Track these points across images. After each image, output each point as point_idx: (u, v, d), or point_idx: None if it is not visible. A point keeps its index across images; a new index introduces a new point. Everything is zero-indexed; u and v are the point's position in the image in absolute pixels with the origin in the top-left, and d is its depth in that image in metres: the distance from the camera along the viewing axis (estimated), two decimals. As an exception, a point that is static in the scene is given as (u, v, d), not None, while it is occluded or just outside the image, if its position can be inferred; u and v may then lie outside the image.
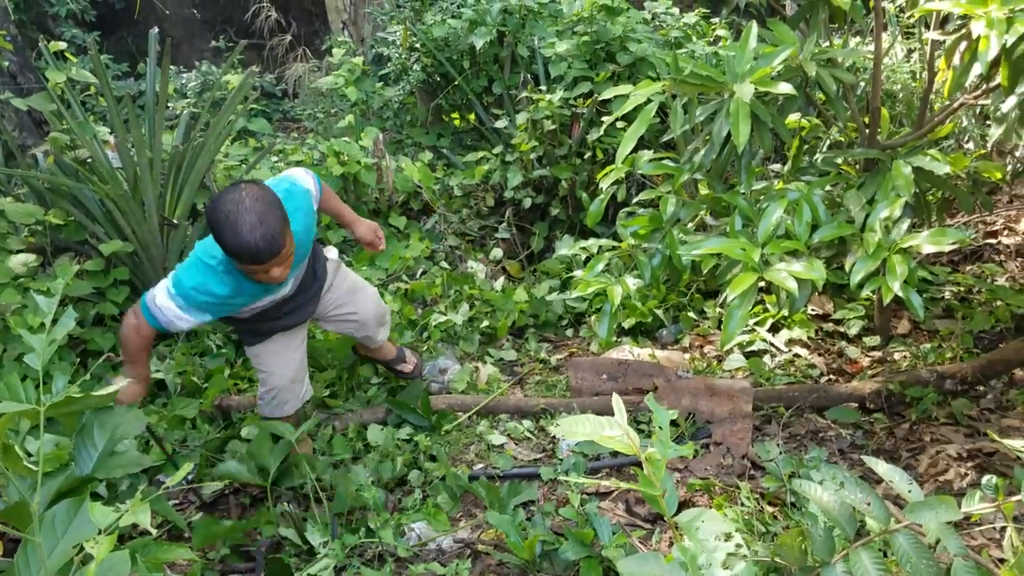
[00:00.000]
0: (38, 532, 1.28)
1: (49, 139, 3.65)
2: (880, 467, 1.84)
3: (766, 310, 3.80)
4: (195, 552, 2.36)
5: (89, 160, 3.75)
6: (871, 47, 3.66)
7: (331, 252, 2.97)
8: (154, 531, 1.18)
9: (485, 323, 3.94)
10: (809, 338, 3.65)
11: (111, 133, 3.89)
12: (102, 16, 9.51)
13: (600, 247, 3.17)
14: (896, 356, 3.50)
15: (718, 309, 3.97)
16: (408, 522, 2.60)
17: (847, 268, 2.58)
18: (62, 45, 3.74)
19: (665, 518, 1.41)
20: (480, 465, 2.98)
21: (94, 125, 3.82)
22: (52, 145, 3.65)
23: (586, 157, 4.70)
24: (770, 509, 2.54)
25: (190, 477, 2.94)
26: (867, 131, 3.13)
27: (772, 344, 3.63)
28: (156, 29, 4.19)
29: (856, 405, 3.15)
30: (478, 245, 4.80)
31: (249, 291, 2.39)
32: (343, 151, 4.53)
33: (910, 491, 1.78)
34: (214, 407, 3.21)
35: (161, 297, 2.34)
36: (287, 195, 2.40)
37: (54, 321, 1.28)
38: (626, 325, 3.87)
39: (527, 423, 3.21)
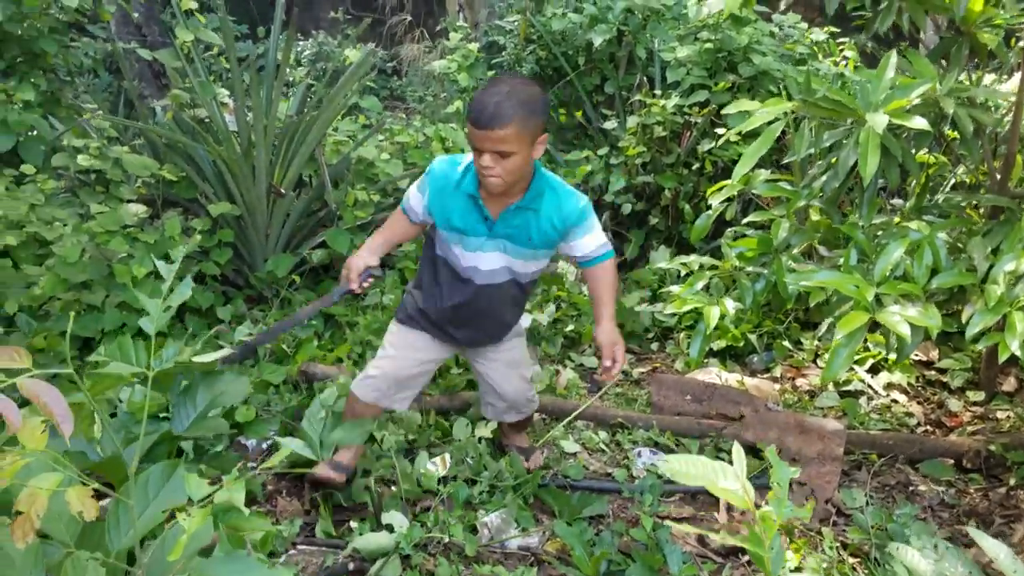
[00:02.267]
0: (133, 492, 1.29)
1: (170, 95, 3.76)
2: (985, 541, 1.73)
3: (867, 349, 3.64)
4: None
5: (206, 120, 3.85)
6: (1008, 86, 3.45)
7: (526, 320, 2.80)
8: (247, 510, 1.18)
9: (570, 327, 3.89)
10: (909, 384, 3.49)
11: (230, 96, 3.99)
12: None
13: (701, 265, 3.08)
14: (999, 415, 3.31)
15: (816, 342, 3.83)
16: (479, 519, 2.58)
17: (963, 318, 2.44)
18: (193, 4, 3.83)
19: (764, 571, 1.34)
20: (551, 471, 2.94)
21: (214, 86, 3.92)
22: (172, 102, 3.76)
23: (694, 168, 4.59)
24: (852, 560, 2.42)
25: (268, 444, 3.00)
26: (998, 177, 2.95)
27: (870, 386, 3.48)
28: (283, -2, 4.26)
29: (952, 461, 2.99)
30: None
31: (450, 197, 2.33)
32: (448, 137, 4.54)
33: (1015, 573, 1.66)
34: (299, 373, 3.25)
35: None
36: (573, 195, 2.35)
37: (170, 290, 1.29)
38: (715, 347, 3.76)
39: (603, 434, 3.16)
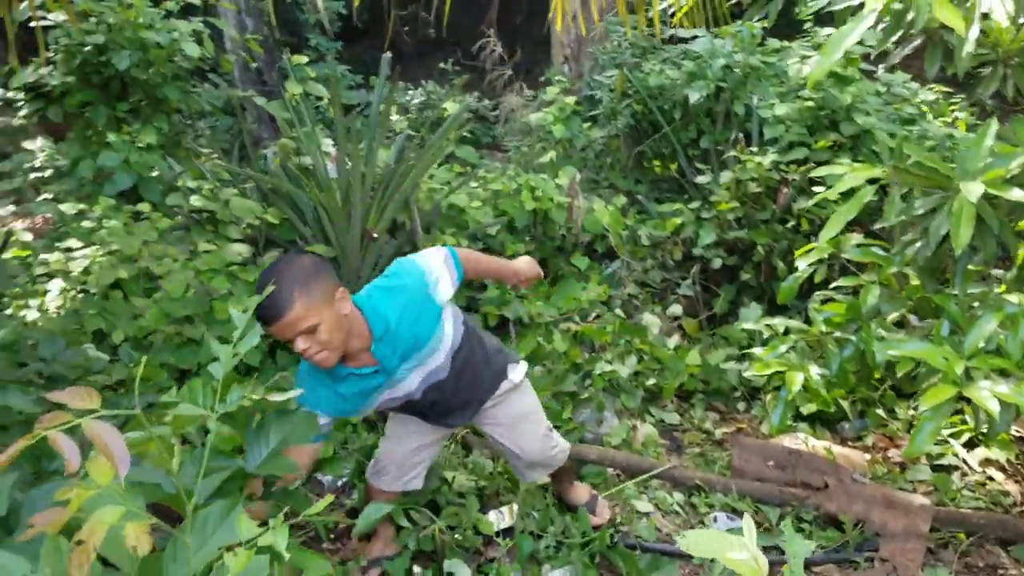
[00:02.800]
0: (190, 529, 1.35)
1: (278, 144, 3.97)
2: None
3: (964, 422, 3.45)
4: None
5: (310, 167, 4.04)
6: None
7: (516, 371, 2.63)
8: (287, 554, 1.22)
9: (651, 380, 3.84)
10: (1008, 461, 3.28)
11: (333, 145, 4.17)
12: (346, 26, 10.26)
13: (787, 328, 3.00)
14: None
15: (911, 411, 3.65)
16: (543, 574, 2.57)
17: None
18: (304, 59, 4.05)
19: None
20: (621, 530, 2.89)
21: (319, 134, 4.12)
22: (280, 150, 3.96)
23: (788, 225, 4.49)
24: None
25: (343, 481, 3.07)
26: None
27: (964, 461, 3.29)
28: (389, 54, 4.46)
29: (1052, 549, 2.79)
30: (658, 298, 4.71)
31: (332, 388, 2.27)
32: (538, 187, 4.60)
33: None
34: (376, 413, 3.33)
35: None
36: (392, 274, 2.31)
37: (242, 336, 1.37)
38: (804, 411, 3.64)
39: (678, 495, 3.09)
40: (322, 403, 2.26)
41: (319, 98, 5.49)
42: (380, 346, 2.23)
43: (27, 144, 7.13)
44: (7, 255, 4.27)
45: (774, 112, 4.67)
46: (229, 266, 3.75)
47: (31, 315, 3.93)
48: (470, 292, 4.48)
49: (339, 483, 3.15)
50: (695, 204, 4.80)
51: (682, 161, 5.45)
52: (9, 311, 3.89)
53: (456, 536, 2.72)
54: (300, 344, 2.06)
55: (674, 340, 4.21)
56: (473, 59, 8.77)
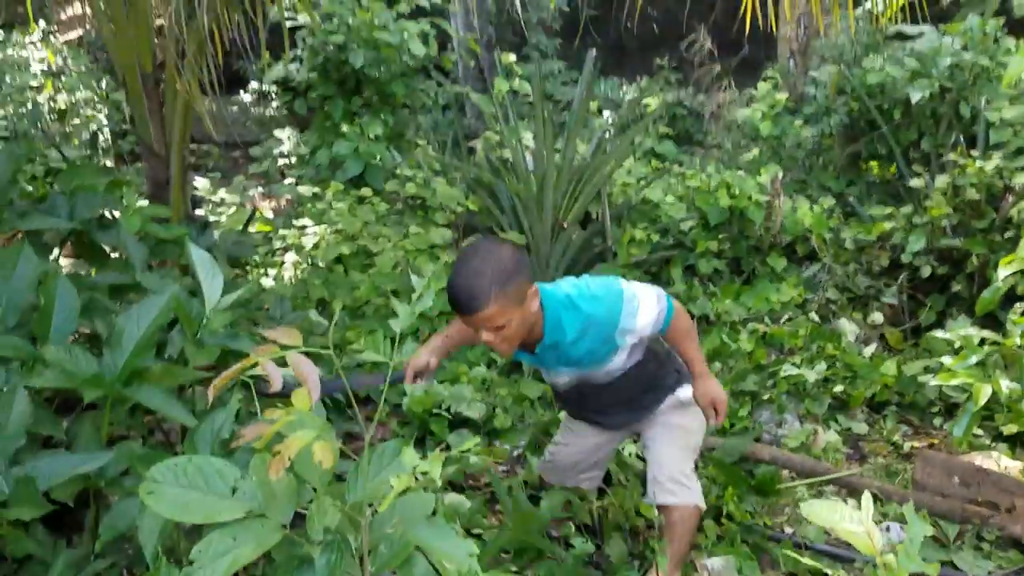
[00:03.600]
0: (368, 461, 1.60)
1: (483, 137, 4.27)
2: None
3: None
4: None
5: (510, 161, 4.31)
6: None
7: (686, 391, 2.53)
8: (439, 482, 1.42)
9: (839, 387, 3.73)
10: None
11: (534, 138, 4.41)
12: (568, 23, 10.55)
13: (983, 339, 2.85)
14: None
15: None
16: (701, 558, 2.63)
17: None
18: (512, 57, 4.31)
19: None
20: (788, 531, 2.88)
21: (523, 128, 4.38)
22: (484, 143, 4.26)
23: (1007, 236, 4.17)
24: None
25: (517, 452, 3.29)
26: None
27: None
28: (593, 50, 4.62)
29: None
30: (859, 305, 4.53)
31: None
32: (735, 184, 4.58)
33: None
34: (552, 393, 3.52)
35: None
36: (592, 299, 2.24)
37: (419, 298, 1.60)
38: (1005, 431, 3.39)
39: (852, 502, 3.02)
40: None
41: (527, 94, 5.77)
42: (547, 351, 2.30)
43: (277, 133, 8.03)
44: (251, 229, 4.89)
45: (1002, 115, 4.34)
46: (432, 247, 4.10)
47: (267, 282, 4.51)
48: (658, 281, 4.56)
49: (515, 453, 3.37)
50: (907, 209, 4.56)
51: (900, 163, 5.18)
52: (250, 277, 4.47)
53: (618, 514, 2.83)
54: (485, 336, 2.10)
55: (871, 348, 4.05)
56: (689, 55, 8.75)
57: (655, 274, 4.59)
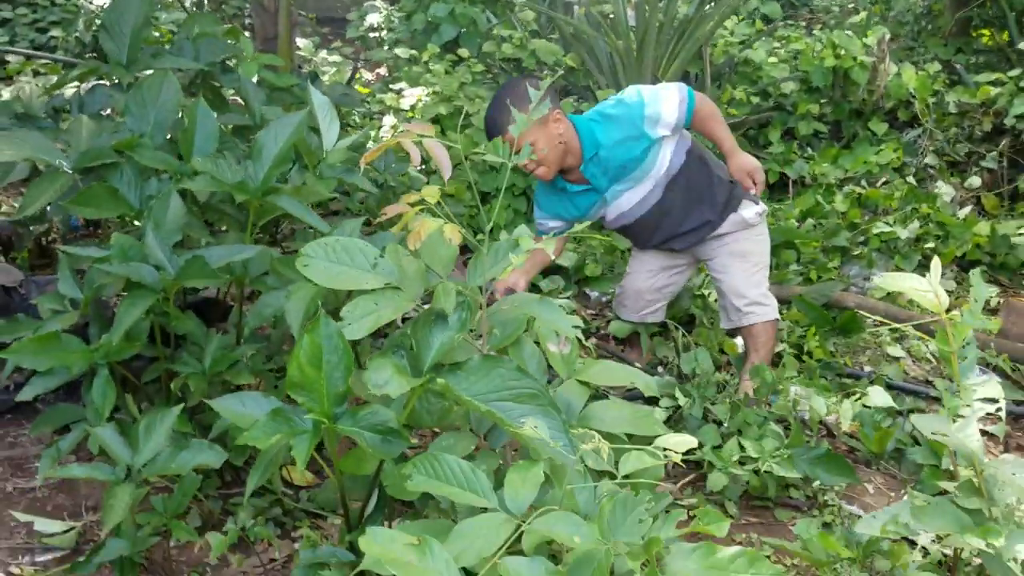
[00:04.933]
0: (488, 247, 1.78)
1: (582, -10, 4.27)
2: None
3: None
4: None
5: (610, 16, 4.31)
6: None
7: (751, 210, 2.71)
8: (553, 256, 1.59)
9: (930, 245, 3.75)
10: None
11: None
12: None
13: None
14: None
15: None
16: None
17: None
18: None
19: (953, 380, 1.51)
20: (868, 369, 3.00)
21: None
22: (585, -4, 4.26)
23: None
24: None
25: (606, 299, 3.46)
26: None
27: None
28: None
29: None
30: (957, 171, 4.46)
31: (556, 198, 2.72)
32: (842, 44, 4.48)
33: None
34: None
35: None
36: (616, 104, 2.58)
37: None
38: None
39: (932, 346, 3.11)
40: (554, 206, 2.73)
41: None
42: (590, 166, 2.58)
43: (367, 4, 8.08)
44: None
45: None
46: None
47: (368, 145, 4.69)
48: (754, 149, 4.57)
49: (603, 299, 3.55)
50: (1015, 72, 4.40)
51: (1011, 29, 4.94)
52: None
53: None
54: (524, 164, 2.36)
55: (966, 211, 4.02)
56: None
57: (752, 136, 4.59)
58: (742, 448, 2.28)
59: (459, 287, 1.71)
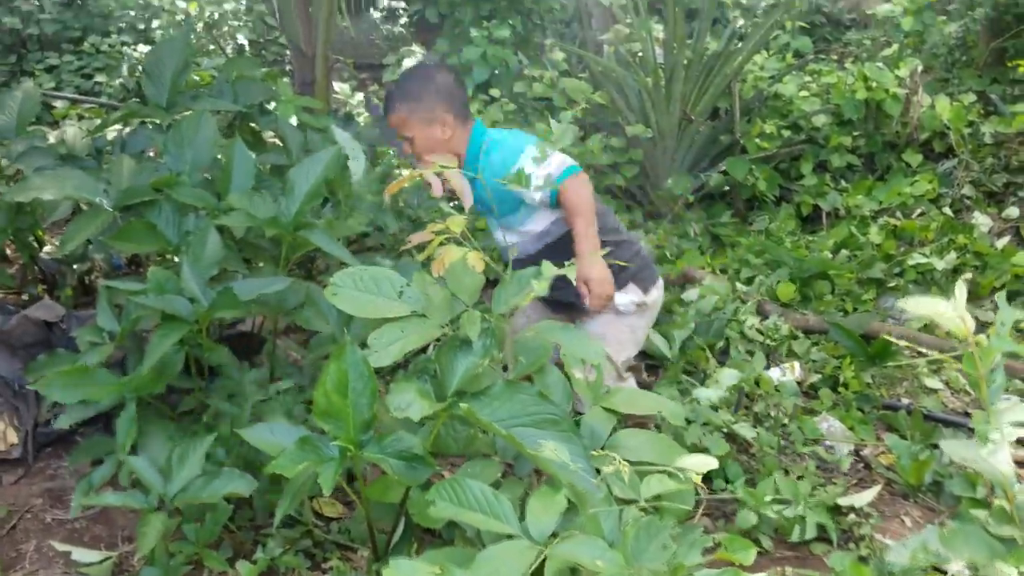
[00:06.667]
0: (510, 279, 1.80)
1: (612, 30, 4.33)
2: None
3: None
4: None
5: (639, 54, 4.36)
6: None
7: (622, 296, 2.37)
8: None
9: (967, 275, 3.69)
10: None
11: (664, 30, 4.44)
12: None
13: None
14: None
15: None
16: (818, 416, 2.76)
17: None
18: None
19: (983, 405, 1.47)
20: (906, 400, 2.95)
21: (651, 22, 4.40)
22: (614, 36, 4.32)
23: None
24: None
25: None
26: None
27: None
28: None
29: None
30: (995, 201, 4.40)
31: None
32: (873, 76, 4.47)
33: None
34: (679, 275, 3.64)
35: None
36: (509, 134, 2.35)
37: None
38: None
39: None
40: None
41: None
42: (475, 181, 2.12)
43: (404, 50, 8.27)
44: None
45: None
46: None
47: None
48: (786, 182, 4.56)
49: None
50: (1053, 101, 4.35)
51: (1050, 57, 4.90)
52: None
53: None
54: (405, 145, 2.36)
55: (1004, 242, 3.96)
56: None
57: (784, 169, 4.58)
58: (777, 490, 2.26)
59: (482, 315, 1.73)
